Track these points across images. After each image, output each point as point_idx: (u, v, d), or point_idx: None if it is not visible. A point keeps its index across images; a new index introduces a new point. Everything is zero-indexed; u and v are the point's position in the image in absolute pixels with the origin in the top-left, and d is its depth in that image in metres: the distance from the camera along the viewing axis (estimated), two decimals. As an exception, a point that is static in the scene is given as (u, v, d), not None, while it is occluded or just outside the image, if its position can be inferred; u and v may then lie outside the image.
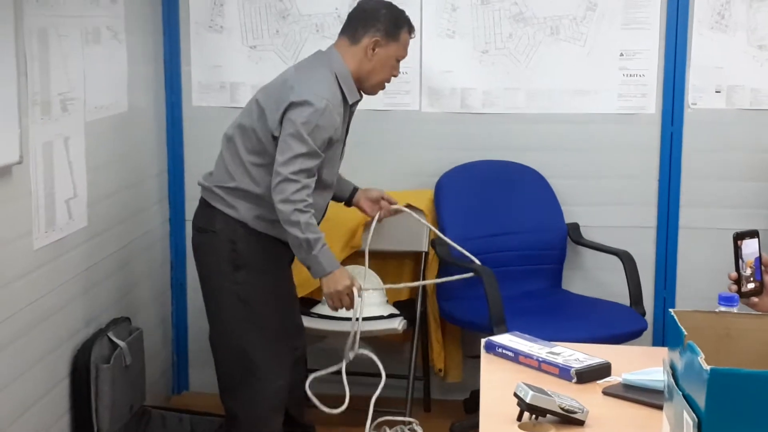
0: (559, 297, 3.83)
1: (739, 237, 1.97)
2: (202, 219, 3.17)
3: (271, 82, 3.18)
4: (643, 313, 3.59)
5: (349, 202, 3.44)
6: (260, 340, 3.13)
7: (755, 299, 1.99)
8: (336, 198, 3.38)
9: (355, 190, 3.43)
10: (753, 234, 1.98)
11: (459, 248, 3.45)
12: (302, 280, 3.57)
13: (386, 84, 3.23)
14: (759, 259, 1.99)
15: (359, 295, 3.09)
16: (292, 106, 2.98)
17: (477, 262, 3.45)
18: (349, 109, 3.16)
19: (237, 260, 3.09)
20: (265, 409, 3.18)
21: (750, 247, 1.98)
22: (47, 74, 2.91)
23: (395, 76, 3.22)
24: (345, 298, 3.06)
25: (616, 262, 3.74)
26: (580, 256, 3.97)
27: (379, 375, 3.83)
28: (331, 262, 3.02)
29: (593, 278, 3.97)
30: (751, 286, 1.97)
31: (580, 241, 3.90)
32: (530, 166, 3.92)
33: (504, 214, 3.87)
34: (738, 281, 1.98)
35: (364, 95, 3.22)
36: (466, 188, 3.86)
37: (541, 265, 3.86)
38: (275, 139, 3.01)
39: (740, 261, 1.97)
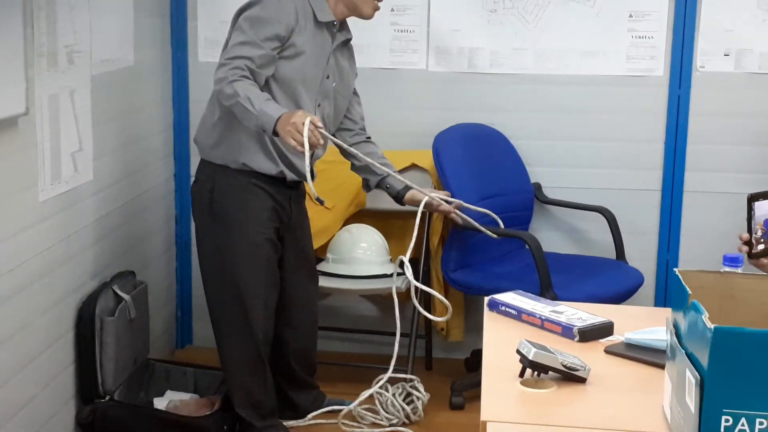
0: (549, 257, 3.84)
1: (753, 198, 1.95)
2: (197, 170, 3.22)
3: None
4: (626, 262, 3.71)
5: (401, 201, 3.30)
6: (231, 293, 3.13)
7: (765, 260, 1.99)
8: (390, 193, 3.30)
9: (407, 188, 3.26)
10: (767, 195, 1.97)
11: (491, 213, 3.37)
12: (321, 227, 3.57)
13: (378, 4, 3.08)
14: None
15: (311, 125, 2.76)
16: (239, 12, 3.00)
17: (501, 225, 3.42)
18: (328, 33, 3.08)
19: (214, 209, 3.10)
20: (240, 363, 3.19)
21: (762, 208, 1.97)
22: (54, 26, 2.90)
23: None
24: (300, 127, 2.74)
25: (588, 221, 3.84)
26: (556, 215, 3.99)
27: (381, 333, 3.88)
28: (278, 108, 2.83)
29: (570, 237, 4.00)
30: (761, 247, 1.97)
31: (548, 200, 3.94)
32: (537, 127, 3.92)
33: (495, 175, 3.84)
34: (749, 242, 1.97)
35: (364, 21, 3.16)
36: (461, 150, 3.80)
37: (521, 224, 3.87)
38: None
39: (752, 222, 1.96)
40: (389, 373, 3.11)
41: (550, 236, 3.95)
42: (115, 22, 3.42)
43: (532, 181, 3.93)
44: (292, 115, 2.77)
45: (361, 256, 3.69)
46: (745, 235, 1.98)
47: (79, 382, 3.15)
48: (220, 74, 2.89)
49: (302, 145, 2.73)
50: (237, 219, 3.09)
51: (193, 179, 3.25)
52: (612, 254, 3.76)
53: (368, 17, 3.11)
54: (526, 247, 3.47)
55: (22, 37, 2.66)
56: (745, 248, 1.98)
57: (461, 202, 3.30)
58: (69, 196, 3.06)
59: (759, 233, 1.97)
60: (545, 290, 3.26)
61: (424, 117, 3.95)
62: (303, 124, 2.73)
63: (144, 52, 3.69)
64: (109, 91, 3.35)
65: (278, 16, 2.95)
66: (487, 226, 3.41)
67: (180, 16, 3.97)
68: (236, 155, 3.07)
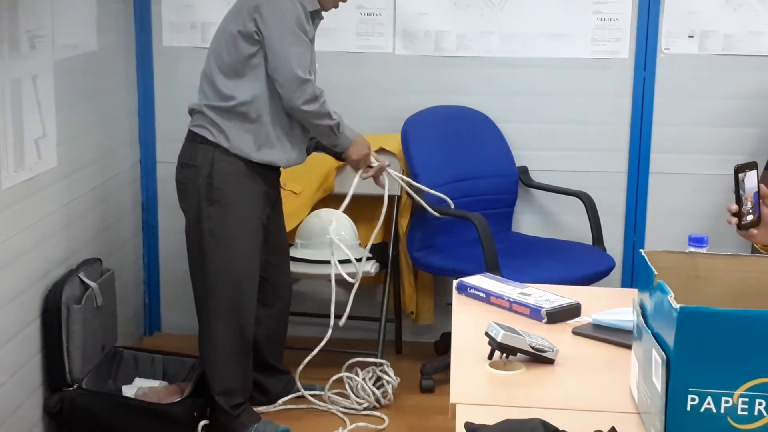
0: (520, 239, 3.87)
1: (739, 170, 1.94)
2: (185, 154, 3.19)
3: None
4: (604, 250, 3.69)
5: (340, 156, 3.36)
6: (226, 278, 3.14)
7: (754, 231, 1.99)
8: (327, 150, 3.35)
9: None
10: (752, 166, 1.95)
11: (440, 195, 3.44)
12: (289, 212, 3.56)
13: (340, 2, 3.19)
14: (758, 193, 1.98)
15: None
16: (264, 6, 3.01)
17: (452, 206, 3.46)
18: (315, 21, 3.17)
19: (212, 194, 3.10)
20: (225, 349, 3.20)
21: (751, 180, 1.95)
22: (15, 11, 2.85)
23: None
24: (369, 160, 3.29)
25: (570, 205, 3.81)
26: (535, 199, 4.01)
27: (351, 317, 3.87)
28: (352, 133, 3.23)
29: (549, 221, 4.01)
30: (750, 218, 1.97)
31: (533, 184, 3.93)
32: (504, 110, 3.92)
33: (467, 158, 3.85)
34: (738, 214, 1.96)
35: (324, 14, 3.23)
36: (431, 133, 3.81)
37: (498, 208, 3.87)
38: (246, 39, 3.03)
39: (741, 194, 1.94)
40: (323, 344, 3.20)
41: (532, 219, 3.97)
42: (78, 7, 3.38)
43: (518, 164, 3.93)
44: (362, 144, 3.23)
45: (329, 240, 3.68)
46: (734, 207, 1.96)
47: (47, 371, 3.12)
48: (312, 92, 3.04)
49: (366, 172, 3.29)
50: (237, 204, 3.13)
51: (181, 163, 3.18)
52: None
53: (325, 7, 3.19)
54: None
55: (-18, 22, 2.62)
56: (735, 220, 1.97)
57: (384, 165, 3.35)
58: (33, 183, 3.02)
59: (748, 205, 1.96)
60: (491, 271, 3.27)
61: (391, 100, 3.94)
62: (372, 159, 3.28)
63: (107, 37, 3.65)
64: (72, 76, 3.31)
65: (306, 12, 3.08)
66: (436, 205, 3.44)
67: (143, 0, 3.92)
68: (258, 149, 3.10)
